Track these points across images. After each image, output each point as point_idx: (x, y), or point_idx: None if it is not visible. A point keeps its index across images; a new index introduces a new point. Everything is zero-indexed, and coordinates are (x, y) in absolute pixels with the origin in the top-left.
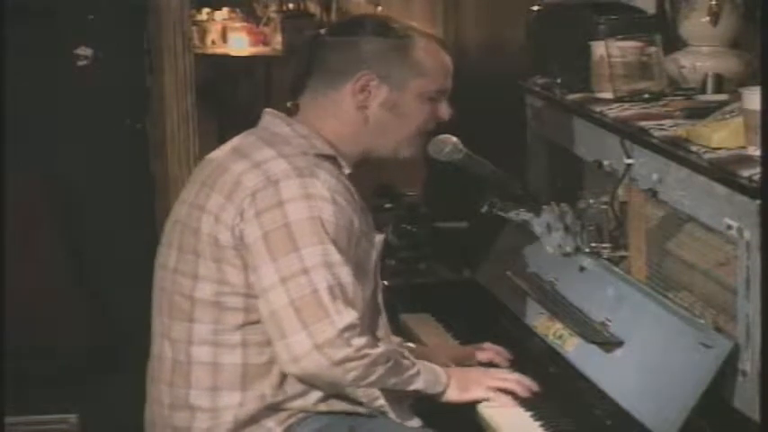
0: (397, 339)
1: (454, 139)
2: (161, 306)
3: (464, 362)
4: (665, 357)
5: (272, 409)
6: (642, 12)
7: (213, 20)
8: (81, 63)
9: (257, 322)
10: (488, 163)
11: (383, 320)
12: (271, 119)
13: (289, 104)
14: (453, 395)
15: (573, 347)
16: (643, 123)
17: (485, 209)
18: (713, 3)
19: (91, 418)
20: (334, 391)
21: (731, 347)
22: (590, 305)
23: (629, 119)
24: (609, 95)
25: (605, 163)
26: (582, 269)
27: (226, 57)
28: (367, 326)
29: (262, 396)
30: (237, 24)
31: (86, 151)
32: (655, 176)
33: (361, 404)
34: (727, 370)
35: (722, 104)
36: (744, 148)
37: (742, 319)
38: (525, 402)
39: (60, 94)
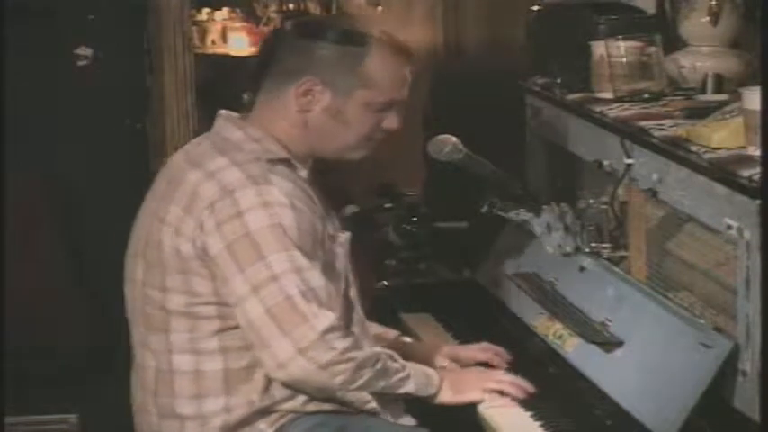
0: (394, 333)
1: (454, 139)
2: (135, 318)
3: (462, 361)
4: (665, 357)
5: (262, 412)
6: (642, 12)
7: (213, 20)
8: (81, 63)
9: (234, 328)
10: (488, 163)
11: (357, 316)
12: (223, 123)
13: (245, 96)
14: (447, 397)
15: (573, 347)
16: (643, 123)
17: (485, 209)
18: (713, 3)
19: (91, 418)
20: (325, 396)
21: (731, 347)
22: (590, 305)
23: (629, 119)
24: (609, 95)
25: (605, 163)
26: (582, 269)
27: (226, 57)
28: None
29: (250, 402)
30: (237, 24)
31: (86, 151)
32: (655, 176)
33: (349, 404)
34: (727, 370)
35: (722, 104)
36: (744, 148)
37: (742, 319)
38: (525, 402)
39: (60, 94)
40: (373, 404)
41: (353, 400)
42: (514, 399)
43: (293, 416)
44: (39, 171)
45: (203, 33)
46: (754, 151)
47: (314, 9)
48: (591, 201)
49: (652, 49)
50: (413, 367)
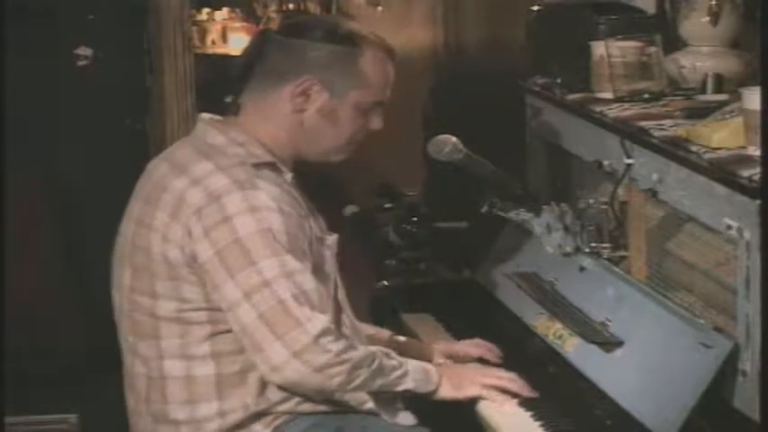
0: (387, 333)
1: (454, 139)
2: (123, 326)
3: (456, 357)
4: (665, 357)
5: (258, 415)
6: (642, 12)
7: (213, 20)
8: (81, 63)
9: (225, 332)
10: (488, 163)
11: (347, 317)
12: (204, 127)
13: (228, 99)
14: (446, 393)
15: (573, 347)
16: (643, 123)
17: (485, 209)
18: (713, 3)
19: (91, 418)
20: (323, 397)
21: (731, 347)
22: (590, 305)
23: (629, 119)
24: (609, 95)
25: (605, 163)
26: (582, 269)
27: (226, 57)
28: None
29: (245, 406)
30: (237, 24)
31: (86, 151)
32: (655, 176)
33: (346, 404)
34: (727, 370)
35: (722, 104)
36: (744, 148)
37: (742, 319)
38: (525, 402)
39: (60, 94)
40: (371, 404)
41: (351, 401)
42: (514, 396)
43: (289, 417)
44: (39, 171)
45: (203, 33)
46: (754, 151)
47: (314, 9)
48: (591, 201)
49: (652, 49)
50: (411, 364)
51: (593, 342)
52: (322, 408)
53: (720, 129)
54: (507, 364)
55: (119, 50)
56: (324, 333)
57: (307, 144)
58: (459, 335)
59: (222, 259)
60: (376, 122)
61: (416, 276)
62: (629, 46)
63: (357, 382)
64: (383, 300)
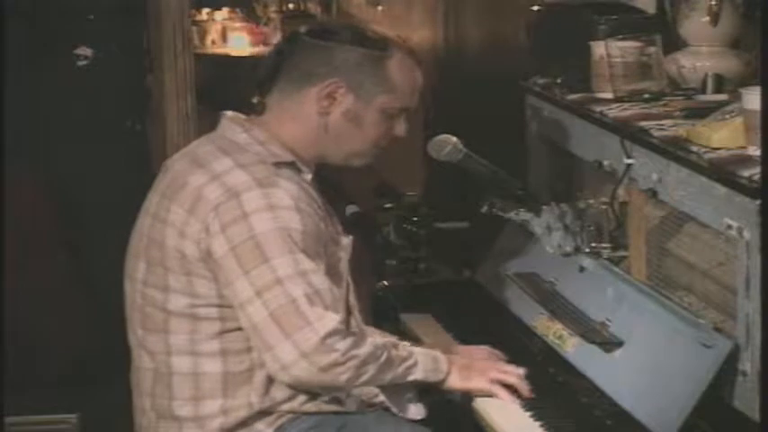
0: (392, 339)
1: (454, 139)
2: (133, 318)
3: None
4: (665, 357)
5: (261, 413)
6: (642, 12)
7: (213, 20)
8: (81, 63)
9: (235, 330)
10: (488, 163)
11: (355, 320)
12: (228, 124)
13: (255, 100)
14: (454, 383)
15: (573, 347)
16: (643, 123)
17: (485, 209)
18: (713, 3)
19: (91, 418)
20: (333, 394)
21: (731, 347)
22: (590, 305)
23: (629, 119)
24: (609, 95)
25: (605, 163)
26: (582, 269)
27: (226, 57)
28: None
29: (249, 404)
30: (237, 24)
31: (86, 151)
32: (655, 176)
33: (357, 399)
34: (728, 370)
35: (722, 104)
36: (744, 148)
37: (742, 319)
38: (525, 402)
39: (60, 94)
40: (381, 397)
41: (361, 395)
42: (520, 397)
43: (292, 416)
44: (39, 171)
45: (203, 33)
46: (754, 151)
47: (314, 9)
48: (591, 201)
49: (652, 49)
50: (420, 353)
51: (593, 342)
52: (325, 408)
53: (720, 129)
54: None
55: (119, 50)
56: (332, 333)
57: (330, 147)
58: (459, 335)
59: (237, 255)
60: (401, 129)
61: (416, 276)
62: (629, 46)
63: (365, 377)
64: (383, 300)
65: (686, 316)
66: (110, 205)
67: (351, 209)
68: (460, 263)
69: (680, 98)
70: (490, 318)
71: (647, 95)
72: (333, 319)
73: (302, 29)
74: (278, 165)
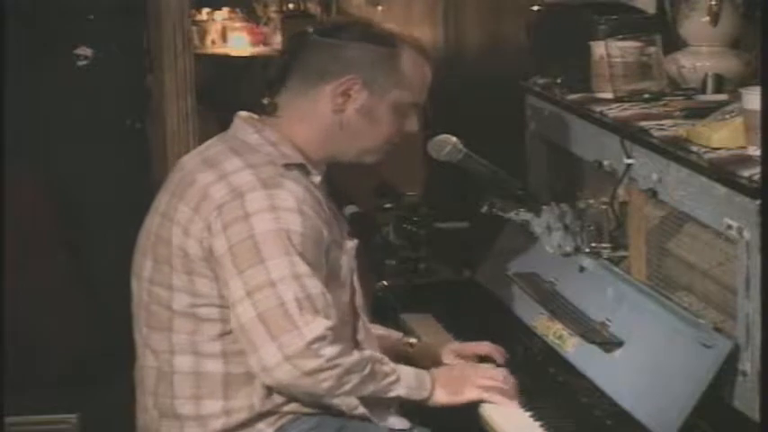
0: (397, 335)
1: (454, 139)
2: (139, 317)
3: (465, 358)
4: (665, 357)
5: (263, 414)
6: (642, 12)
7: (213, 20)
8: (81, 63)
9: None
10: (488, 163)
11: (362, 324)
12: (240, 124)
13: (265, 101)
14: (442, 398)
15: (573, 347)
16: (643, 123)
17: (485, 209)
18: (713, 3)
19: (91, 418)
20: (312, 401)
21: (731, 347)
22: (590, 305)
23: (629, 119)
24: (609, 95)
25: (605, 163)
26: (582, 269)
27: (226, 57)
28: (344, 332)
29: (251, 406)
30: (237, 24)
31: (86, 151)
32: (655, 176)
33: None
34: (728, 370)
35: (722, 104)
36: (744, 148)
37: (742, 319)
38: (525, 402)
39: (60, 94)
40: (361, 409)
41: (341, 405)
42: (520, 397)
43: (292, 417)
44: (39, 171)
45: (203, 33)
46: (754, 151)
47: (314, 9)
48: (591, 201)
49: (652, 49)
50: (403, 370)
51: (593, 342)
52: (323, 409)
53: (720, 129)
54: (507, 364)
55: (119, 50)
56: (318, 339)
57: (344, 144)
58: (459, 335)
59: (234, 255)
60: (412, 124)
61: (416, 276)
62: (629, 46)
63: (347, 387)
64: (383, 300)
65: (686, 316)
66: (110, 205)
67: (351, 209)
68: (460, 263)
69: (680, 98)
70: (490, 318)
71: (647, 95)
72: (321, 325)
73: (310, 28)
74: (287, 166)
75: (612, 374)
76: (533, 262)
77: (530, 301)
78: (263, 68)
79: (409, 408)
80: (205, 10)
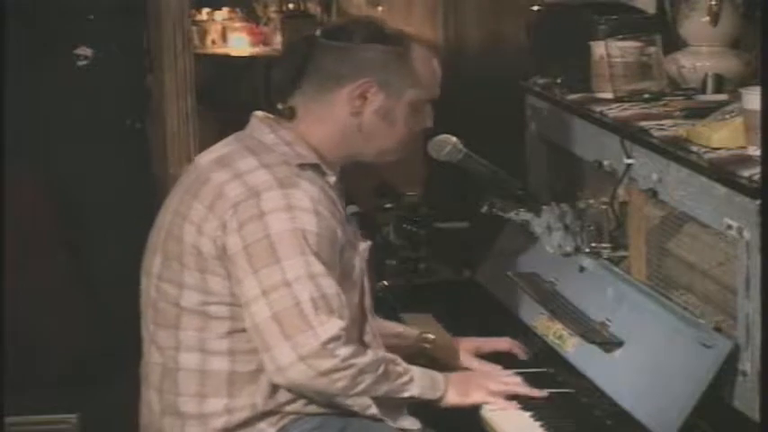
0: (415, 332)
1: (454, 139)
2: (147, 312)
3: (484, 354)
4: (665, 357)
5: (265, 414)
6: (642, 12)
7: (213, 20)
8: (81, 63)
9: (244, 330)
10: (488, 163)
11: (370, 325)
12: (257, 124)
13: (280, 107)
14: (452, 399)
15: (573, 347)
16: (643, 123)
17: (485, 209)
18: (713, 3)
19: (91, 418)
20: (324, 400)
21: (731, 347)
22: (590, 305)
23: (629, 119)
24: (609, 95)
25: (605, 163)
26: (582, 269)
27: (226, 57)
28: (353, 333)
29: (253, 405)
30: (237, 24)
31: (86, 151)
32: (655, 176)
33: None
34: (728, 370)
35: (722, 104)
36: (744, 148)
37: (742, 319)
38: (525, 403)
39: (60, 94)
40: (374, 409)
41: (353, 405)
42: (520, 397)
43: (294, 417)
44: (39, 171)
45: (203, 33)
46: (754, 151)
47: (314, 9)
48: (591, 201)
49: (652, 49)
50: (417, 371)
51: (593, 342)
52: (328, 409)
53: (720, 129)
54: (507, 363)
55: (119, 50)
56: (333, 339)
57: (363, 145)
58: (459, 335)
59: (249, 254)
60: (428, 120)
61: (416, 276)
62: (629, 46)
63: (361, 387)
64: (383, 300)
65: (686, 316)
66: (110, 205)
67: (351, 209)
68: (460, 263)
69: (680, 98)
70: (490, 318)
71: (647, 95)
72: (336, 325)
73: (317, 31)
74: (302, 166)
75: (612, 374)
76: (533, 262)
77: (530, 301)
78: (267, 71)
79: (409, 406)
80: (205, 10)
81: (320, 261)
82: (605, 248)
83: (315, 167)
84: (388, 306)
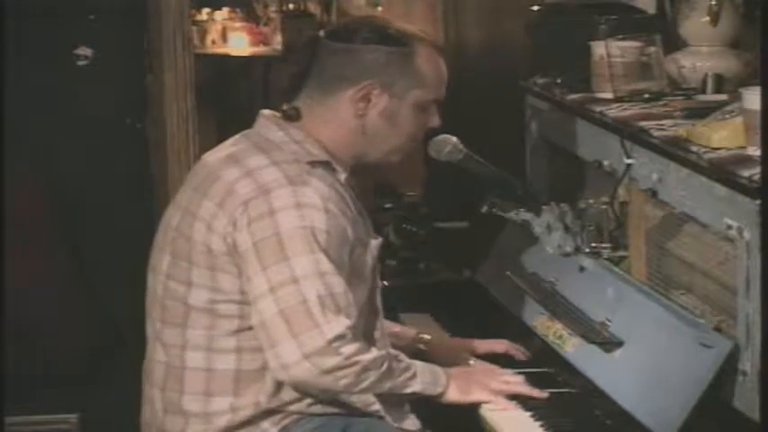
0: (412, 331)
1: (454, 139)
2: (152, 310)
3: (481, 355)
4: (665, 357)
5: (268, 413)
6: (642, 12)
7: (213, 20)
8: (81, 63)
9: (251, 328)
10: (488, 163)
11: (380, 322)
12: (265, 122)
13: (285, 107)
14: (454, 396)
15: (573, 347)
16: (643, 123)
17: (485, 209)
18: (713, 3)
19: (91, 418)
20: (328, 397)
21: (731, 347)
22: (590, 305)
23: (629, 119)
24: (609, 95)
25: (605, 163)
26: (582, 269)
27: (226, 57)
28: (363, 329)
29: (256, 403)
30: (237, 24)
31: (86, 151)
32: (655, 176)
33: (353, 405)
34: (728, 370)
35: (722, 104)
36: (744, 148)
37: (742, 319)
38: (525, 403)
39: (60, 94)
40: (377, 406)
41: (357, 402)
42: (524, 398)
43: (297, 417)
44: (39, 171)
45: (203, 33)
46: (754, 151)
47: (314, 9)
48: (591, 201)
49: (652, 49)
50: (419, 366)
51: (593, 342)
52: (331, 409)
53: (720, 129)
54: (507, 364)
55: (119, 50)
56: (339, 337)
57: (368, 146)
58: (458, 335)
59: (258, 251)
60: (434, 120)
61: (416, 276)
62: (629, 46)
63: (365, 384)
64: (383, 300)
65: (686, 316)
66: (110, 205)
67: None
68: (460, 263)
69: (680, 98)
70: (490, 318)
71: (647, 95)
72: (342, 324)
73: (321, 32)
74: (312, 164)
75: (612, 374)
76: (533, 262)
77: (530, 301)
78: (267, 72)
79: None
80: (205, 10)
81: (329, 259)
82: (605, 248)
83: (325, 165)
84: (388, 306)
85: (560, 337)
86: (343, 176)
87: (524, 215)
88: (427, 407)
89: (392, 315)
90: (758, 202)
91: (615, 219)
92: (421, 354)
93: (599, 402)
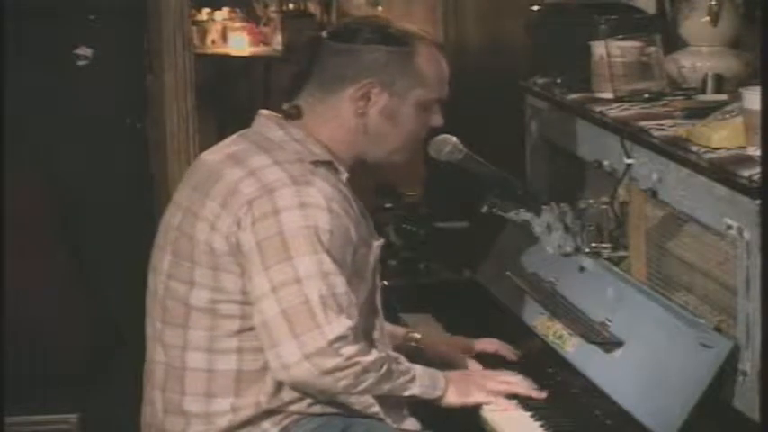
0: (402, 330)
1: (454, 139)
2: (153, 310)
3: (473, 353)
4: (665, 357)
5: (268, 413)
6: (642, 12)
7: (213, 20)
8: (81, 63)
9: (252, 329)
10: (488, 163)
11: (380, 322)
12: (265, 121)
13: (285, 106)
14: (453, 399)
15: (573, 347)
16: (643, 123)
17: (485, 209)
18: (713, 3)
19: (91, 418)
20: (327, 398)
21: (731, 347)
22: (590, 305)
23: (629, 119)
24: (609, 95)
25: (605, 163)
26: (582, 269)
27: (226, 57)
28: (362, 329)
29: (257, 403)
30: (237, 24)
31: (86, 151)
32: (655, 176)
33: (351, 406)
34: (728, 370)
35: (722, 104)
36: (744, 148)
37: (742, 319)
38: (525, 403)
39: (60, 94)
40: (376, 408)
41: (356, 404)
42: (523, 398)
43: (298, 417)
44: (39, 171)
45: (203, 33)
46: (754, 151)
47: (314, 9)
48: (591, 201)
49: (652, 49)
50: (418, 369)
51: (593, 342)
52: (331, 409)
53: (720, 129)
54: (507, 364)
55: (119, 50)
56: (340, 338)
57: (370, 146)
58: (458, 335)
59: (261, 250)
60: (437, 119)
61: (416, 276)
62: (629, 46)
63: (364, 385)
64: (383, 300)
65: (686, 316)
66: (110, 205)
67: None
68: (460, 263)
69: (680, 98)
70: (490, 318)
71: (647, 95)
72: (343, 324)
73: (323, 33)
74: (315, 163)
75: (612, 374)
76: (533, 262)
77: (530, 301)
78: (268, 72)
79: (408, 406)
80: (205, 10)
81: (332, 259)
82: (605, 248)
83: (328, 165)
84: (388, 306)
85: (560, 337)
86: (345, 176)
87: (524, 215)
88: (427, 408)
89: (392, 315)
90: (758, 202)
91: (615, 219)
92: (414, 352)
93: (599, 402)
